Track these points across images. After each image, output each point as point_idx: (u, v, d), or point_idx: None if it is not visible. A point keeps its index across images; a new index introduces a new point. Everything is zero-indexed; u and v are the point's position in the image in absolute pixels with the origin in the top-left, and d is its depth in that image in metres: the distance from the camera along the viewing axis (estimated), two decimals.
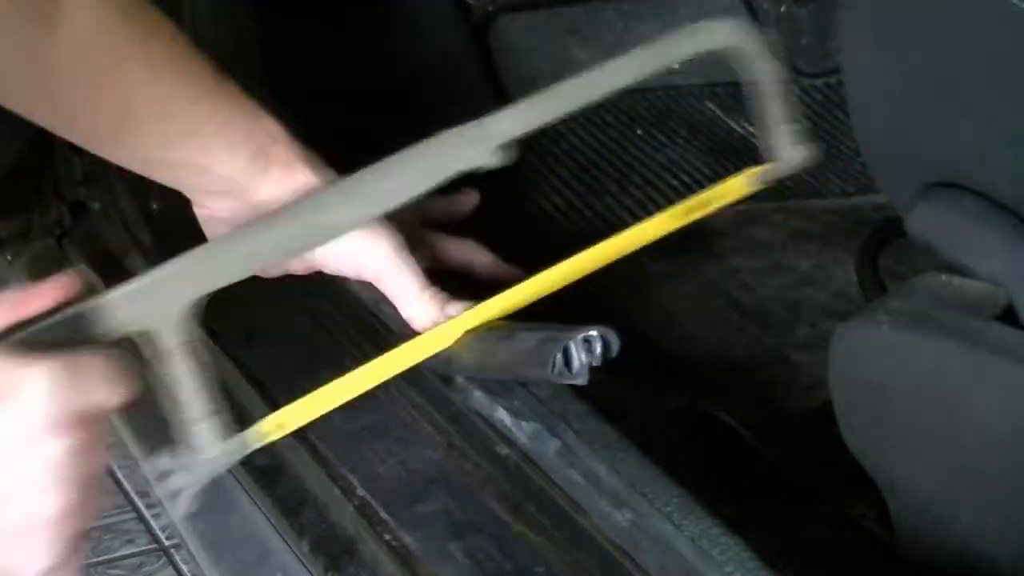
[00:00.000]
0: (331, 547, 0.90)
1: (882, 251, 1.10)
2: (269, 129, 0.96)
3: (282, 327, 1.03)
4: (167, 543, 1.70)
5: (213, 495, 1.00)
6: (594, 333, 0.86)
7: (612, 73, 0.94)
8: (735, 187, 1.02)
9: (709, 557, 0.79)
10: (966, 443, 0.79)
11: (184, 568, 1.66)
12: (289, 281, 1.01)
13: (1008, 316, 0.80)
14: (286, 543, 0.92)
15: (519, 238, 1.20)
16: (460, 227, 1.08)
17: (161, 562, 1.70)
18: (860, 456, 0.85)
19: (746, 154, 1.40)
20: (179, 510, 0.85)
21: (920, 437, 0.82)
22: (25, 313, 0.77)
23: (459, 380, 0.93)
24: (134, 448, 1.06)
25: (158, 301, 0.82)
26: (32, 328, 0.77)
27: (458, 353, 0.94)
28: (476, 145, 0.91)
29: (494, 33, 1.45)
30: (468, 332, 0.94)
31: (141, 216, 1.18)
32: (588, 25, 1.48)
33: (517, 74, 1.43)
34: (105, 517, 1.75)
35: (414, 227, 1.04)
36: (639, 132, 1.38)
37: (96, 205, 1.26)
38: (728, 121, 1.44)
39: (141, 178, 1.01)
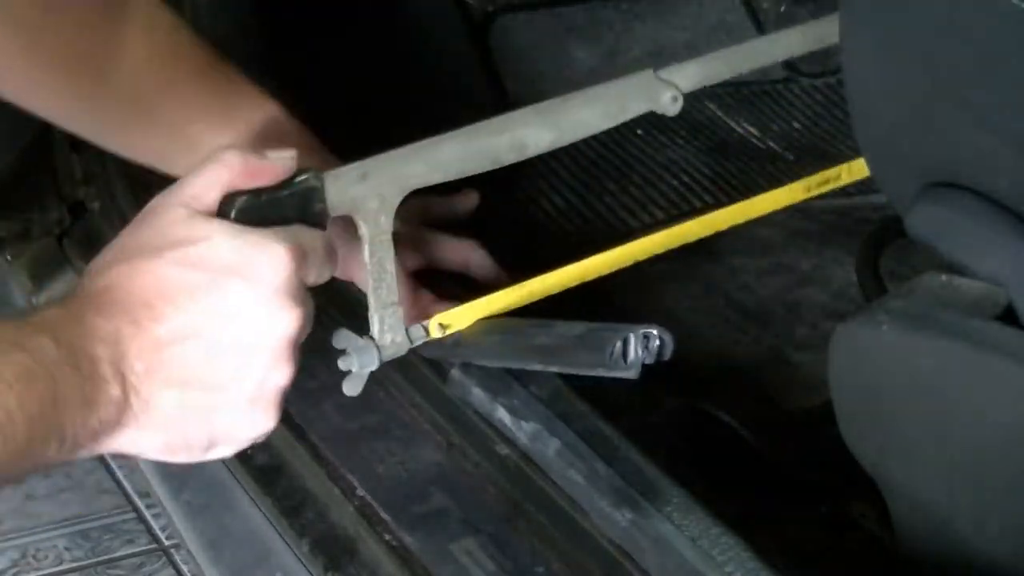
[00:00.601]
0: (331, 547, 0.90)
1: (882, 251, 1.10)
2: (271, 113, 0.97)
3: None
4: (167, 543, 1.70)
5: (213, 495, 1.00)
6: (654, 331, 0.86)
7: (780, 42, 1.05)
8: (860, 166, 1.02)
9: (709, 557, 0.79)
10: (966, 443, 0.79)
11: (184, 568, 1.65)
12: None
13: (1008, 316, 0.80)
14: (286, 543, 0.92)
15: (519, 238, 1.20)
16: (460, 227, 1.08)
17: (161, 562, 1.69)
18: (860, 456, 0.85)
19: (746, 154, 1.40)
20: (348, 390, 0.87)
21: (920, 437, 0.82)
22: (255, 183, 0.79)
23: (457, 377, 0.93)
24: None
25: (364, 190, 0.85)
26: (266, 198, 0.80)
27: (471, 339, 0.93)
28: (654, 91, 0.96)
29: (494, 33, 1.45)
30: (483, 321, 0.94)
31: None
32: (588, 25, 1.48)
33: (517, 74, 1.43)
34: (105, 517, 1.74)
35: (415, 227, 1.04)
36: (639, 132, 1.38)
37: (96, 205, 1.26)
38: (728, 121, 1.44)
39: (141, 177, 1.01)
